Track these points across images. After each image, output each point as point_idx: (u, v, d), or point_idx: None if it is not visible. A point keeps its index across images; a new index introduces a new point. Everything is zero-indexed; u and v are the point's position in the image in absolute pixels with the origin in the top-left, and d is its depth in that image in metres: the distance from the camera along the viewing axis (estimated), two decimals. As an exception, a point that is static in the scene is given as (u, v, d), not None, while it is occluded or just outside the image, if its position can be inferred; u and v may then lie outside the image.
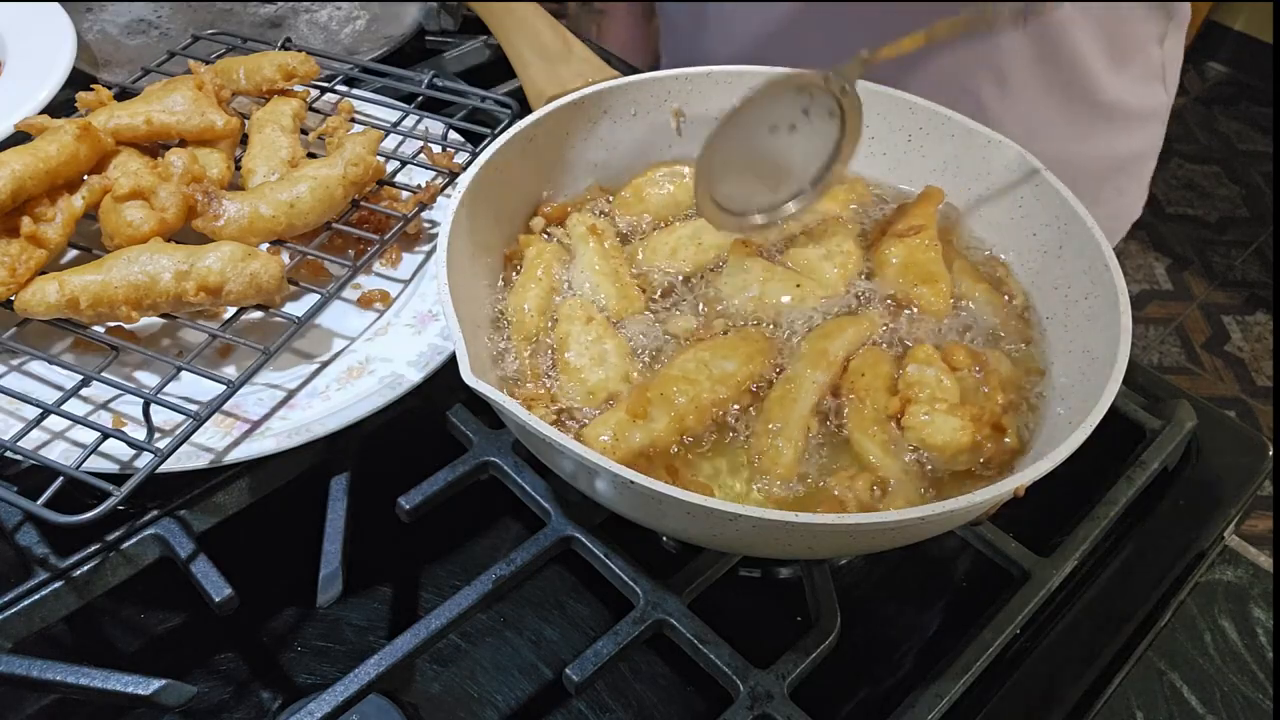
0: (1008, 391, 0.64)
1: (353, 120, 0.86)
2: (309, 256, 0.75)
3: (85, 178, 0.73)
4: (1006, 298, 0.71)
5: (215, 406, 0.64)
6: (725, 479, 0.61)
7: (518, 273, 0.72)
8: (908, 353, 0.67)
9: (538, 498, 0.65)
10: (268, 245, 0.74)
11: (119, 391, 0.66)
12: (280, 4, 1.13)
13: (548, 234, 0.75)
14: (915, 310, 0.70)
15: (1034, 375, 0.67)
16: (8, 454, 0.61)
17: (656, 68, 1.05)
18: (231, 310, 0.71)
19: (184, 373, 0.66)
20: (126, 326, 0.70)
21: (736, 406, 0.64)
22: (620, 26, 1.38)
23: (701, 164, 0.70)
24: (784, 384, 0.64)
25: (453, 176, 0.82)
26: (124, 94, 0.86)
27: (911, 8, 1.02)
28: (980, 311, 0.70)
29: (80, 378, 0.65)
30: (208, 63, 0.88)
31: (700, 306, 0.71)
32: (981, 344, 0.69)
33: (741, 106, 0.69)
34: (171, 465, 0.62)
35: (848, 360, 0.66)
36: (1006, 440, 0.62)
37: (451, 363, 0.64)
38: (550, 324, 0.69)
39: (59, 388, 0.67)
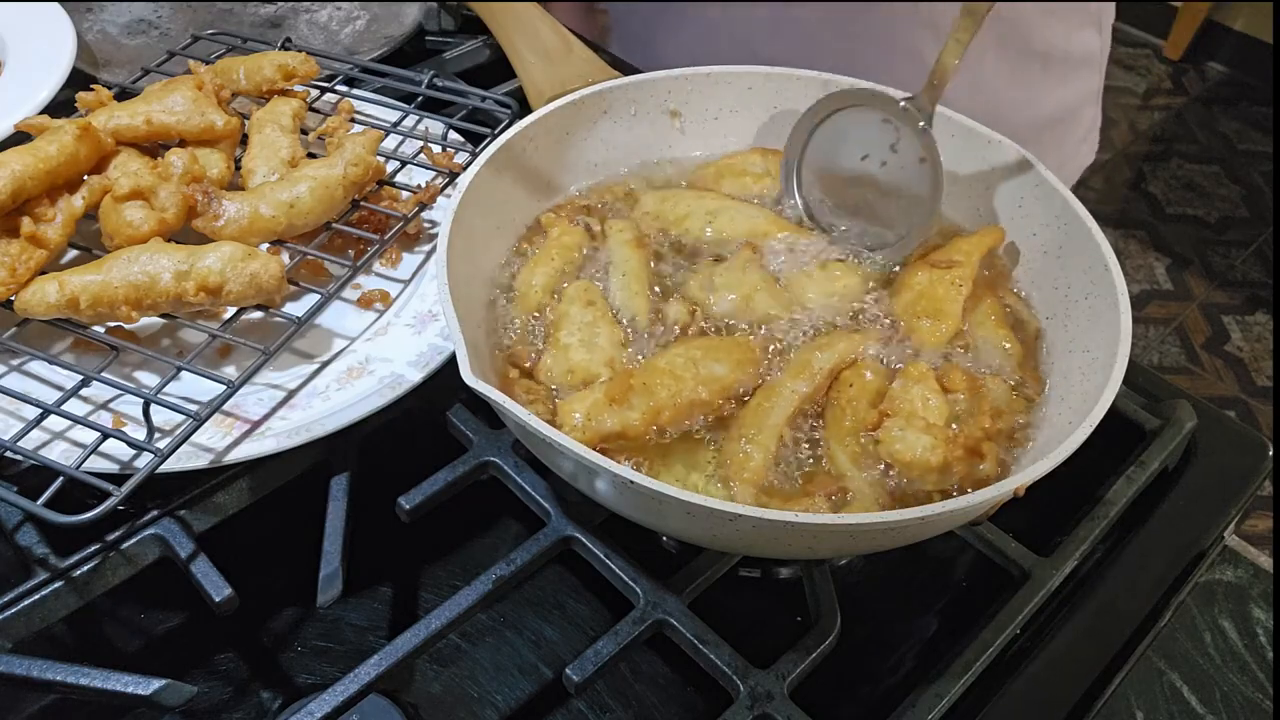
0: (997, 419, 0.63)
1: (353, 120, 0.86)
2: (309, 256, 0.75)
3: (85, 178, 0.73)
4: (1024, 353, 0.69)
5: (215, 406, 0.64)
6: (690, 479, 0.61)
7: (533, 251, 0.73)
8: (901, 369, 0.66)
9: (538, 498, 0.65)
10: (268, 245, 0.74)
11: (119, 391, 0.66)
12: (280, 4, 1.13)
13: (578, 219, 0.76)
14: (909, 340, 0.68)
15: (1024, 419, 0.65)
16: (8, 454, 0.61)
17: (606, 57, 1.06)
18: (231, 310, 0.71)
19: (184, 373, 0.66)
20: (126, 326, 0.70)
21: (711, 417, 0.63)
22: (564, 18, 1.40)
23: (789, 165, 0.74)
24: (762, 393, 0.64)
25: (453, 176, 0.82)
26: (124, 94, 0.86)
27: (853, 6, 1.03)
28: (994, 357, 0.68)
29: (80, 378, 0.65)
30: (208, 63, 0.88)
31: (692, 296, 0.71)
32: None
33: (819, 109, 0.73)
34: (171, 465, 0.62)
35: (835, 373, 0.65)
36: (982, 467, 0.60)
37: (451, 363, 0.64)
38: (555, 302, 0.69)
39: (59, 388, 0.67)
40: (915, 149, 0.72)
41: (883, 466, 0.61)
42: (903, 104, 0.72)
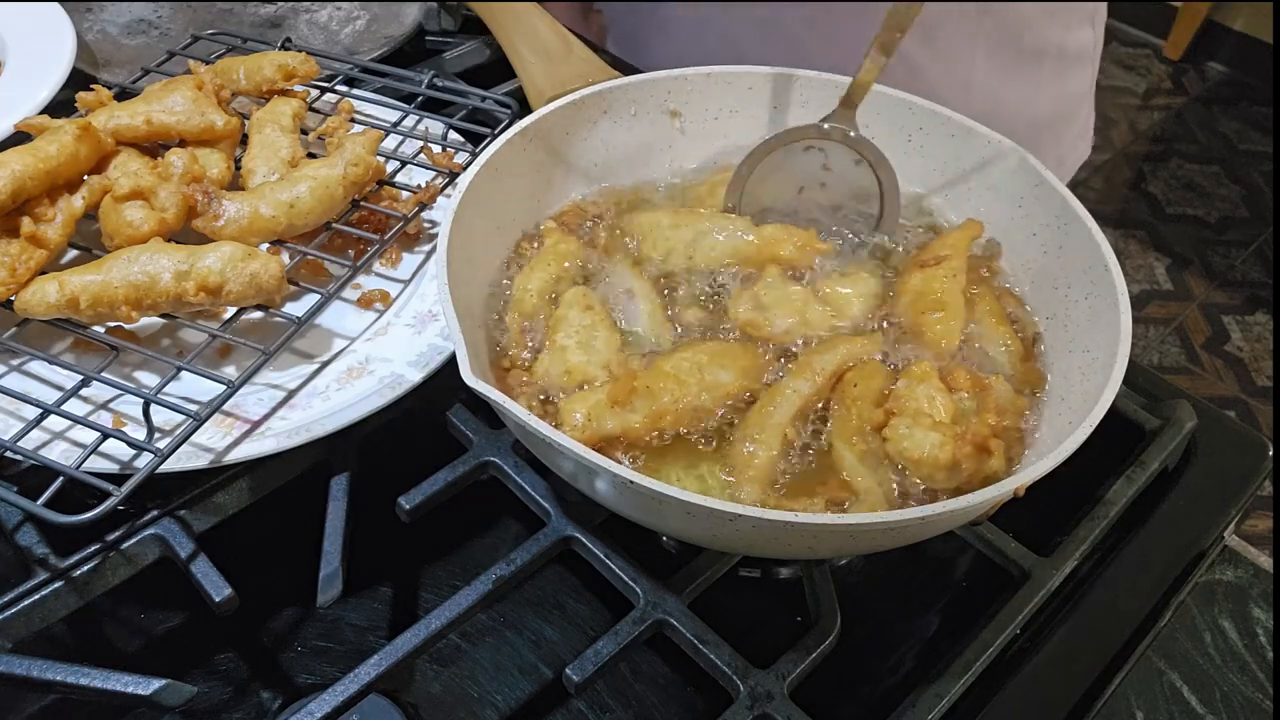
0: (1003, 416, 0.63)
1: (353, 120, 0.86)
2: (309, 256, 0.75)
3: (85, 178, 0.73)
4: (1024, 351, 0.69)
5: (215, 406, 0.64)
6: (687, 481, 0.61)
7: (531, 254, 0.73)
8: (904, 369, 0.66)
9: (538, 498, 0.65)
10: (268, 245, 0.74)
11: (119, 391, 0.66)
12: (280, 4, 1.13)
13: (578, 227, 0.76)
14: (920, 339, 0.68)
15: (1028, 417, 0.65)
16: (8, 454, 0.61)
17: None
18: (231, 310, 0.71)
19: (184, 373, 0.66)
20: (126, 326, 0.70)
21: (716, 418, 0.63)
22: (560, 19, 1.40)
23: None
24: (766, 395, 0.64)
25: (453, 176, 0.82)
26: (124, 94, 0.86)
27: (841, 9, 1.03)
28: (994, 355, 0.68)
29: (80, 378, 0.65)
30: (208, 63, 0.88)
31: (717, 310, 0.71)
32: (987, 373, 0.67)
33: (739, 180, 0.72)
34: (171, 465, 0.62)
35: (840, 374, 0.65)
36: (991, 462, 0.60)
37: (451, 363, 0.64)
38: (550, 308, 0.69)
39: (59, 388, 0.67)
40: (847, 155, 0.73)
41: (890, 465, 0.61)
42: (825, 125, 0.73)
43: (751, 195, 0.76)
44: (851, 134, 0.72)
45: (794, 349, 0.68)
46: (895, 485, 0.60)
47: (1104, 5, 1.16)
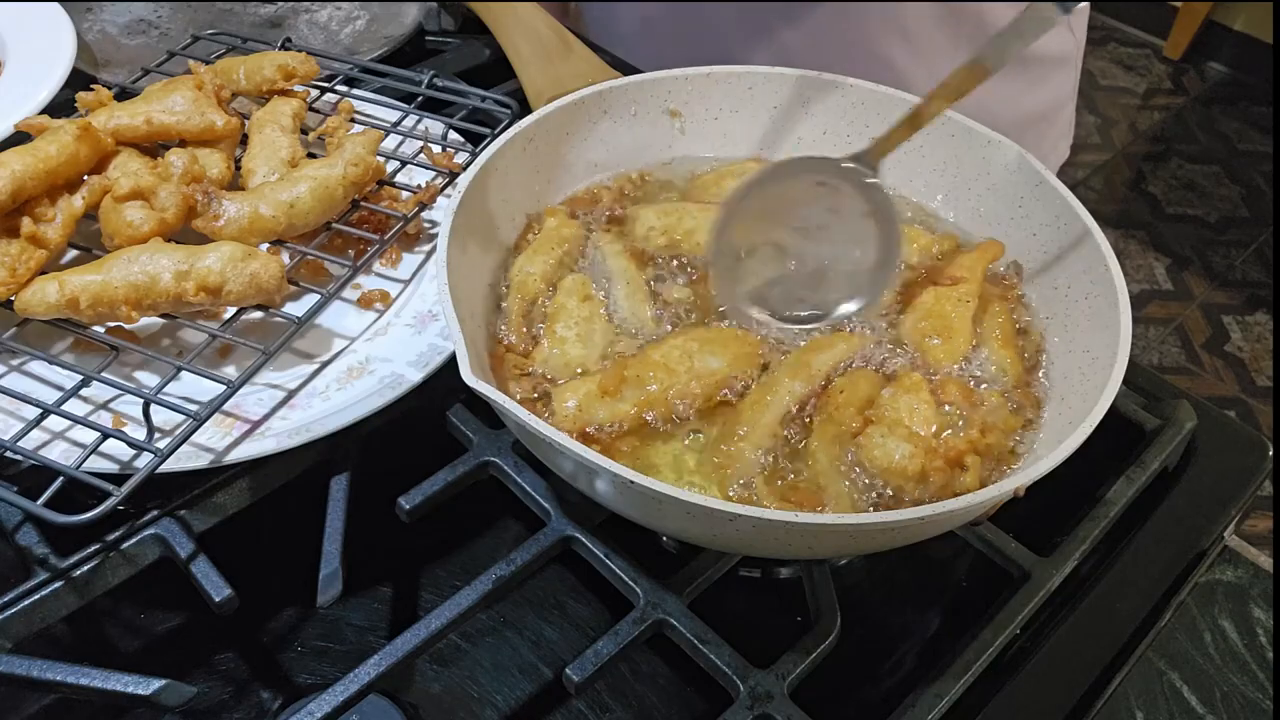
0: (987, 433, 0.61)
1: (353, 120, 0.86)
2: (309, 256, 0.75)
3: (85, 178, 0.73)
4: (1024, 374, 0.67)
5: (215, 406, 0.64)
6: (667, 470, 0.61)
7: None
8: (894, 379, 0.65)
9: (538, 498, 0.65)
10: (268, 245, 0.74)
11: (119, 391, 0.66)
12: (280, 4, 1.13)
13: (578, 213, 0.76)
14: (918, 356, 0.67)
15: (1019, 437, 0.64)
16: (8, 454, 0.61)
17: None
18: (231, 310, 0.71)
19: (184, 373, 0.66)
20: (126, 326, 0.70)
21: (697, 407, 0.63)
22: None
23: (718, 264, 0.69)
24: (760, 389, 0.64)
25: (453, 176, 0.81)
26: (124, 94, 0.86)
27: (824, 8, 1.03)
28: (993, 375, 0.67)
29: (80, 378, 0.65)
30: (208, 63, 0.88)
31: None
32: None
33: (745, 194, 0.68)
34: (171, 465, 0.62)
35: (831, 376, 0.65)
36: (965, 478, 0.59)
37: (451, 363, 0.64)
38: (550, 292, 0.70)
39: (59, 388, 0.67)
40: (857, 205, 0.68)
41: (861, 472, 0.60)
42: (844, 165, 0.67)
43: (749, 214, 0.69)
44: (870, 180, 0.67)
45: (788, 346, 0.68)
46: (867, 493, 0.60)
47: (1084, 9, 1.16)
